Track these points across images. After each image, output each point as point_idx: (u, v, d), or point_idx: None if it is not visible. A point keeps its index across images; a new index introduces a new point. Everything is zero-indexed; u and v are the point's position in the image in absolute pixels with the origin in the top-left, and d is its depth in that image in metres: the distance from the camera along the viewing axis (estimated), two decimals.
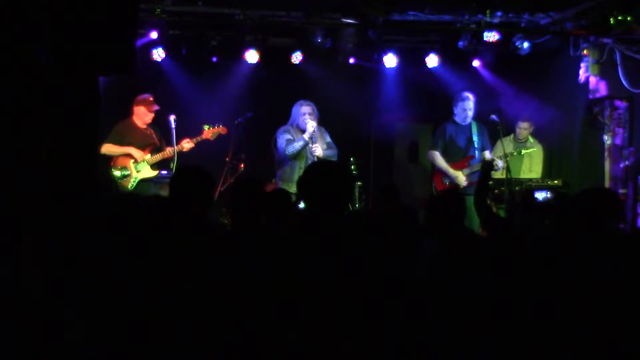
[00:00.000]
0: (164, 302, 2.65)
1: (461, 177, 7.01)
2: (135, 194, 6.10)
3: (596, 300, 2.96)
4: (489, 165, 6.21)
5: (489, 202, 4.59)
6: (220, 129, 7.07)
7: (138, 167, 6.80)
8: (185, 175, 3.36)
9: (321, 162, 5.67)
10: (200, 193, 3.25)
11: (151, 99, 6.94)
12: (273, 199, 4.65)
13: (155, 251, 2.76)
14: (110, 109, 7.01)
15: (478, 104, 7.22)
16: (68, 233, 2.72)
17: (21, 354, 1.06)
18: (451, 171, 7.06)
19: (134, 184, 6.77)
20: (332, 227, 2.77)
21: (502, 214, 6.66)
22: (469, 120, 7.16)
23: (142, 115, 6.92)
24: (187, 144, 6.85)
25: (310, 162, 6.60)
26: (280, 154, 6.70)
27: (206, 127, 7.01)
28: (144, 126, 6.96)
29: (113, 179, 6.76)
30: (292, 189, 6.18)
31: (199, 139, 6.95)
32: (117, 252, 2.68)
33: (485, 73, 8.25)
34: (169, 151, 6.81)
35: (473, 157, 7.14)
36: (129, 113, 7.02)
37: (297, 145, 6.58)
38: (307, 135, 6.56)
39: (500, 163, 6.90)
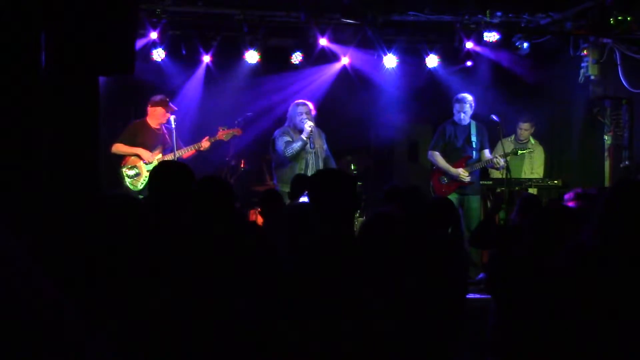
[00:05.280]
0: (167, 302, 2.65)
1: (463, 174, 7.03)
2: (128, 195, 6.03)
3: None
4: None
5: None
6: (234, 131, 7.04)
7: (148, 167, 6.74)
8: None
9: (327, 172, 5.72)
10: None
11: (167, 99, 6.88)
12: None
13: (155, 250, 2.76)
14: (111, 109, 7.02)
15: (477, 104, 7.21)
16: (68, 233, 2.72)
17: (20, 354, 1.06)
18: (452, 170, 7.06)
19: (144, 183, 6.69)
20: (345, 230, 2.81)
21: (502, 214, 6.65)
22: (466, 121, 7.17)
23: (159, 117, 6.81)
24: (205, 143, 6.83)
25: (308, 163, 6.63)
26: (280, 155, 6.69)
27: (221, 129, 6.98)
28: (157, 126, 6.86)
29: (123, 178, 6.71)
30: None
31: (212, 139, 6.90)
32: (116, 251, 2.68)
33: (484, 73, 8.24)
34: (184, 151, 6.75)
35: (470, 157, 7.15)
36: (142, 113, 6.95)
37: (296, 145, 6.58)
38: (304, 135, 6.56)
39: (502, 161, 6.90)
